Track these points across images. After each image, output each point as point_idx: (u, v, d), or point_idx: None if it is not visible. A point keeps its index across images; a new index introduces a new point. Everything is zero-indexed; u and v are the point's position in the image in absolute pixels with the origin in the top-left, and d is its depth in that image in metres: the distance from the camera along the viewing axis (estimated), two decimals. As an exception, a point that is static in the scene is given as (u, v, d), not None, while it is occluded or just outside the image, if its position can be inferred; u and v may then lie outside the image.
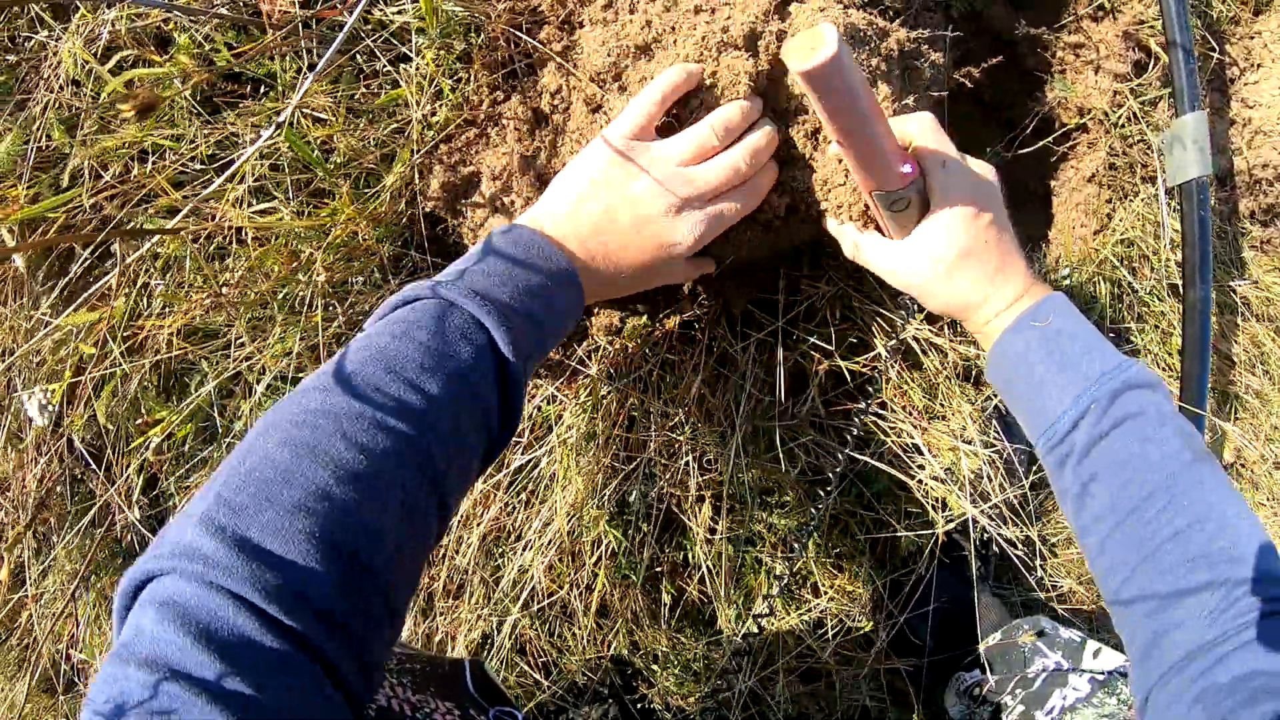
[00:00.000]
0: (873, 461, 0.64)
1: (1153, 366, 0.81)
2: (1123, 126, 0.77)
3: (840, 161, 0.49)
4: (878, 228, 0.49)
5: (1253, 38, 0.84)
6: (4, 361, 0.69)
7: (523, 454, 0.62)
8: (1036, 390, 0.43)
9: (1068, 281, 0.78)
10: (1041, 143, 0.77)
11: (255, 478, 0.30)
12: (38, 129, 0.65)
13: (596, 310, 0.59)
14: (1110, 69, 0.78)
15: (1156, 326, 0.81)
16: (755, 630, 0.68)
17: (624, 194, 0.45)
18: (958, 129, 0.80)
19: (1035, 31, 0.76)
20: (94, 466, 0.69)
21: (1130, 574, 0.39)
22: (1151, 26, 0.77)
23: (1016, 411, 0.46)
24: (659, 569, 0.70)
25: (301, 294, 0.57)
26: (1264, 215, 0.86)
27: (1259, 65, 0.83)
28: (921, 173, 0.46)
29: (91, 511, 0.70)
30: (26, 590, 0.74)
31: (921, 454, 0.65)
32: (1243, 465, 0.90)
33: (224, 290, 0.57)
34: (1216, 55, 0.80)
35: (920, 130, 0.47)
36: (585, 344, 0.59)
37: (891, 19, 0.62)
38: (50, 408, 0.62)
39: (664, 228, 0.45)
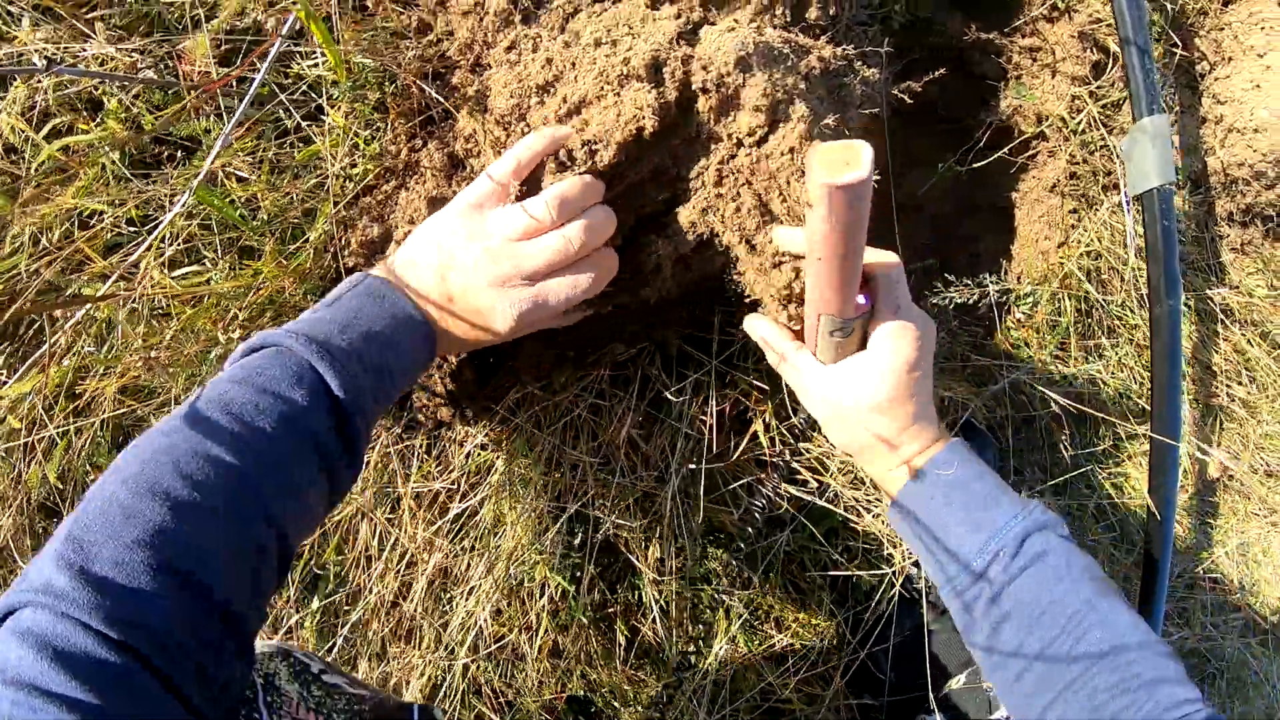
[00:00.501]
0: (819, 502, 0.62)
1: (1129, 381, 0.78)
2: (1083, 132, 0.74)
3: (782, 266, 0.48)
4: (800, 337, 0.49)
5: (1222, 29, 0.80)
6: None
7: (460, 501, 0.61)
8: (942, 537, 0.45)
9: (1030, 300, 0.76)
10: (998, 154, 0.74)
11: (100, 517, 0.34)
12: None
13: (524, 355, 0.58)
14: (1068, 72, 0.75)
15: (1130, 340, 0.78)
16: (698, 643, 0.67)
17: (456, 261, 0.46)
18: (908, 143, 0.78)
19: (987, 36, 0.74)
20: (50, 520, 0.70)
21: (1046, 708, 0.41)
22: (1110, 25, 0.73)
23: (920, 555, 0.47)
24: (612, 609, 0.69)
25: (227, 353, 0.58)
26: (1242, 216, 0.82)
27: (1230, 58, 0.79)
28: (871, 309, 0.47)
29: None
30: None
31: (876, 489, 0.64)
32: (1230, 478, 0.86)
33: (153, 354, 0.57)
34: (1182, 51, 0.76)
35: (884, 269, 0.48)
36: (515, 392, 0.59)
37: (817, 36, 0.60)
38: None
39: (484, 301, 0.45)
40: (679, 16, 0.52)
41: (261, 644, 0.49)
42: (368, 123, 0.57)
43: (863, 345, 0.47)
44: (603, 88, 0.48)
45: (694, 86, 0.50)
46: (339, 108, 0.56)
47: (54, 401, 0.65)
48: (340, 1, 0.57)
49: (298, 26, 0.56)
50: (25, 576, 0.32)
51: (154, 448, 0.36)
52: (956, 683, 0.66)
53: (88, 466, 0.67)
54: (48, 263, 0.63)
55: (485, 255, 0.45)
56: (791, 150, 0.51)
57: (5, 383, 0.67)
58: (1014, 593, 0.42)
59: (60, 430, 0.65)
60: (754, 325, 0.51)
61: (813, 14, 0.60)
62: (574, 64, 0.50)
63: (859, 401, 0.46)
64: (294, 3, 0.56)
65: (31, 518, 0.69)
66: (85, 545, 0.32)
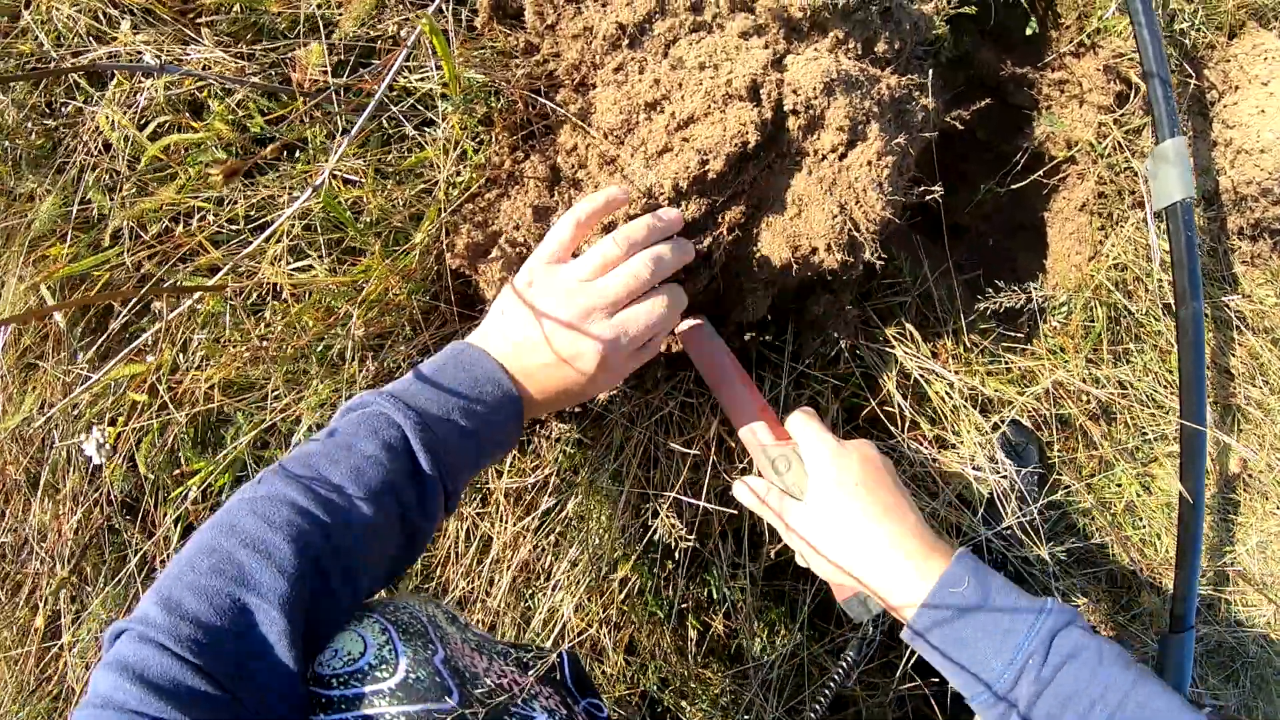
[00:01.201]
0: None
1: (1154, 385, 0.84)
2: (1109, 156, 0.81)
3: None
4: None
5: (1229, 61, 0.88)
6: (43, 415, 0.71)
7: (550, 497, 0.63)
8: (966, 654, 0.45)
9: (1065, 309, 0.81)
10: (1032, 176, 0.81)
11: (187, 556, 0.39)
12: (77, 192, 0.68)
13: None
14: (1094, 101, 0.82)
15: (1154, 346, 0.84)
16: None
17: (535, 315, 0.48)
18: (952, 167, 0.84)
19: (1021, 71, 0.80)
20: (130, 516, 0.70)
21: None
22: (1130, 58, 0.81)
23: (946, 672, 0.47)
24: (684, 605, 0.71)
25: (339, 347, 0.60)
26: (1252, 230, 0.89)
27: (1236, 87, 0.87)
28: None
29: (130, 565, 0.71)
30: (62, 641, 0.75)
31: (935, 482, 0.67)
32: (1249, 476, 0.91)
33: (263, 344, 0.59)
34: (1194, 82, 0.84)
35: (794, 422, 0.54)
36: (608, 391, 0.62)
37: (883, 67, 0.66)
38: (107, 447, 0.64)
39: (568, 343, 0.48)
40: (767, 47, 0.57)
41: (410, 596, 0.51)
42: (473, 134, 0.61)
43: None
44: (709, 106, 0.53)
45: (786, 108, 0.54)
46: (449, 120, 0.60)
47: (148, 393, 0.66)
48: (455, 21, 0.61)
49: (413, 41, 0.59)
50: (137, 605, 0.38)
51: (241, 498, 0.41)
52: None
53: (169, 462, 0.68)
54: (146, 255, 0.65)
55: (564, 298, 0.48)
56: (869, 163, 0.56)
57: (89, 377, 0.68)
58: (1051, 695, 0.42)
59: (146, 424, 0.66)
60: (739, 492, 0.55)
61: (880, 48, 0.65)
62: (680, 84, 0.54)
63: (818, 541, 0.49)
64: (411, 18, 0.60)
65: (110, 515, 0.69)
66: (173, 578, 0.37)
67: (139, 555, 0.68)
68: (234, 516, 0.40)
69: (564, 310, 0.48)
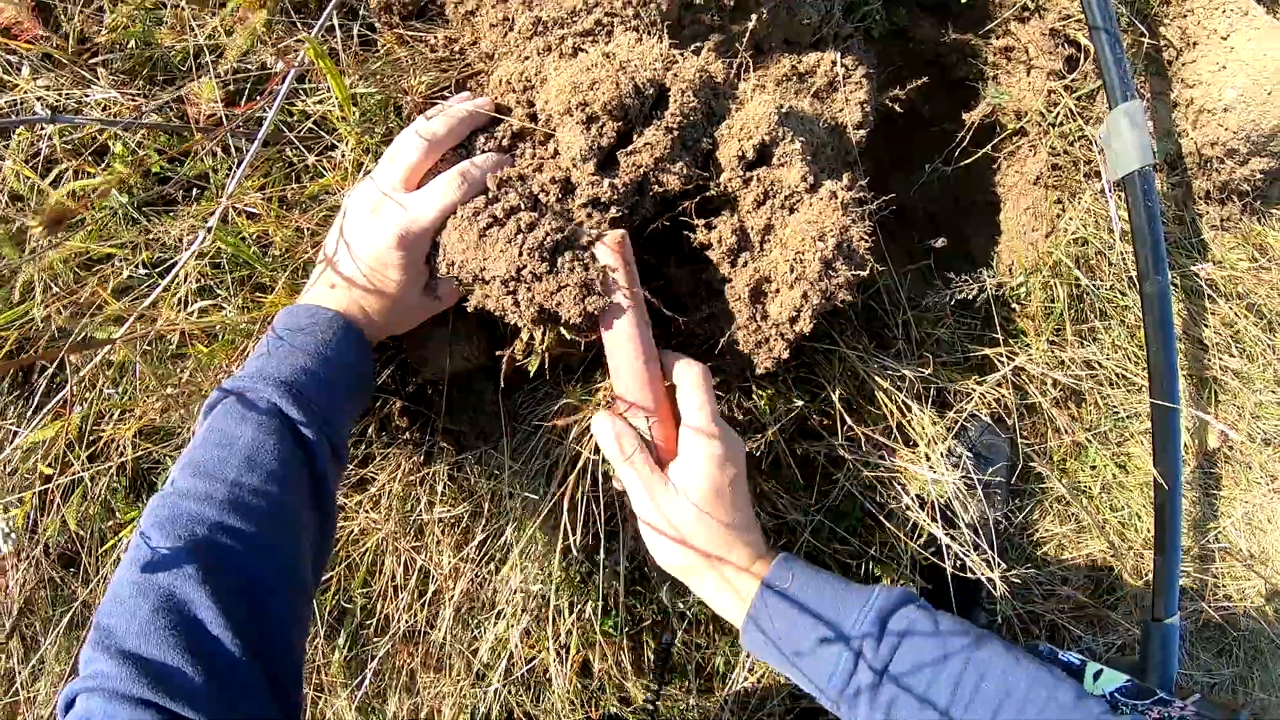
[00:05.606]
0: (834, 514, 0.63)
1: (1124, 361, 0.80)
2: (1061, 125, 0.77)
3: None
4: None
5: (1185, 16, 0.83)
6: (-22, 474, 0.70)
7: (484, 526, 0.62)
8: (804, 647, 0.44)
9: (1023, 289, 0.78)
10: (981, 151, 0.77)
11: (116, 599, 0.38)
12: (-10, 246, 0.66)
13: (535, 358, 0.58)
14: (1042, 67, 0.78)
15: (1122, 322, 0.80)
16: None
17: (343, 226, 0.49)
18: (895, 147, 0.80)
19: (962, 39, 0.77)
20: (69, 569, 0.69)
21: None
22: (1078, 20, 0.77)
23: (786, 670, 0.46)
24: (642, 623, 0.69)
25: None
26: (1219, 193, 0.85)
27: (1195, 43, 0.83)
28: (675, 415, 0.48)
29: (72, 612, 0.70)
30: (17, 693, 0.75)
31: (890, 485, 0.65)
32: (1230, 449, 0.88)
33: (170, 392, 0.58)
34: (1148, 40, 0.80)
35: (686, 372, 0.49)
36: (539, 409, 0.59)
37: (808, 50, 0.62)
38: (13, 535, 0.63)
39: (365, 233, 0.48)
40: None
41: None
42: (377, 154, 0.59)
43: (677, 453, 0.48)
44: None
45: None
46: (348, 141, 0.57)
47: (67, 448, 0.65)
48: (345, 37, 0.58)
49: (307, 63, 0.57)
50: (80, 664, 0.38)
51: (158, 520, 0.40)
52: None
53: (105, 512, 0.67)
54: (57, 308, 0.63)
55: (358, 200, 0.49)
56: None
57: (18, 432, 0.67)
58: (893, 674, 0.42)
59: (76, 477, 0.65)
60: (600, 425, 0.49)
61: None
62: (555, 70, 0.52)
63: (684, 500, 0.46)
64: (301, 41, 0.58)
65: (51, 569, 0.69)
66: (111, 629, 0.37)
67: (82, 606, 0.67)
68: (153, 552, 0.38)
69: (361, 208, 0.48)
